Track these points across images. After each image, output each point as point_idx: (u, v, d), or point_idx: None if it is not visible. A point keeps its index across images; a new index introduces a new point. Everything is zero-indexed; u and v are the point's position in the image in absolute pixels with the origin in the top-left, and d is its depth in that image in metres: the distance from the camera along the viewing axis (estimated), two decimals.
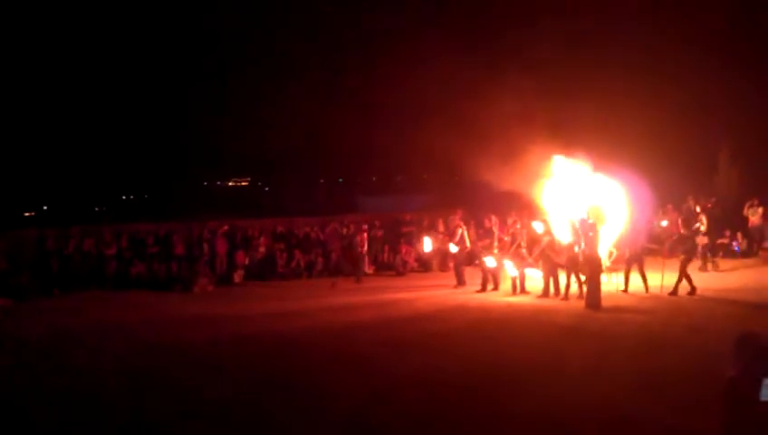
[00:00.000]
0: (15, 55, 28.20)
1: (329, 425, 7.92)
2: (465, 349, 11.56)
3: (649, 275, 16.28)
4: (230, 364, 10.97)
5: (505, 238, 18.03)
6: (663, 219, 21.32)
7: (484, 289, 17.79)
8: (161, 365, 11.08)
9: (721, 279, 17.67)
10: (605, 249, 16.48)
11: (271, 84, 30.03)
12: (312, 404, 8.64)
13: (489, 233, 18.54)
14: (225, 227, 22.94)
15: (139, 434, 7.91)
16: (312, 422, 8.00)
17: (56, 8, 28.56)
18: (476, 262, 19.62)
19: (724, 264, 19.57)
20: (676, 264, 16.11)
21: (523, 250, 17.37)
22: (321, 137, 31.83)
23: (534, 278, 17.28)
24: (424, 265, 22.75)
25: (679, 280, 15.52)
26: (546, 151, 17.72)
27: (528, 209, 18.56)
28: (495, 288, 17.80)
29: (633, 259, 16.53)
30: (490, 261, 17.73)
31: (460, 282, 18.77)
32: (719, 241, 20.86)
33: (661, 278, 15.98)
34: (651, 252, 18.50)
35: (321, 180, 40.15)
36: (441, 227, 21.47)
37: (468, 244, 19.25)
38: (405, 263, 22.86)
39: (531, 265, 17.24)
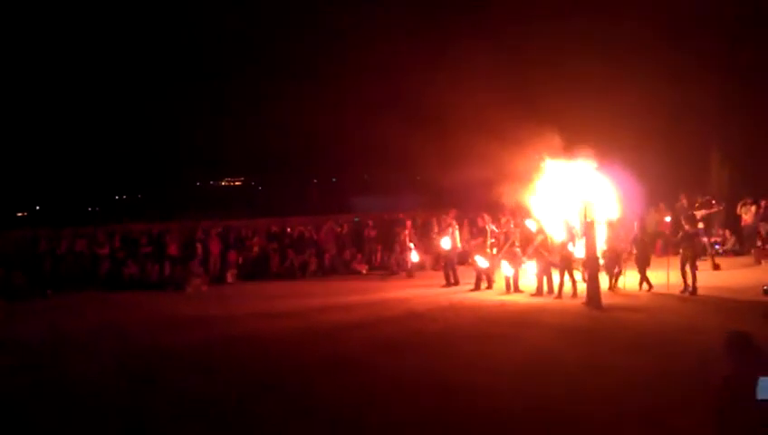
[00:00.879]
0: (9, 53, 28.11)
1: (320, 425, 7.91)
2: (458, 348, 11.57)
3: (653, 274, 16.31)
4: (222, 365, 10.95)
5: (500, 237, 18.03)
6: (660, 218, 21.37)
7: (477, 288, 17.81)
8: (154, 366, 11.05)
9: (715, 278, 17.70)
10: (599, 248, 16.48)
11: (264, 85, 29.97)
12: (303, 405, 8.64)
13: (482, 232, 18.56)
14: (219, 229, 22.92)
15: (127, 430, 7.88)
16: (304, 423, 7.99)
17: (50, 7, 28.49)
18: (469, 261, 19.66)
19: (721, 262, 19.59)
20: (674, 262, 16.16)
21: (517, 249, 17.39)
22: (314, 137, 31.80)
23: (528, 276, 17.32)
24: (417, 264, 22.73)
25: (694, 278, 15.51)
26: (539, 150, 17.73)
27: (521, 208, 18.56)
28: (489, 287, 17.83)
29: (641, 257, 16.50)
30: (482, 260, 17.75)
31: (451, 281, 18.77)
32: (711, 239, 20.92)
33: (666, 277, 16.03)
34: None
35: (315, 180, 40.13)
36: (435, 227, 21.48)
37: (459, 244, 19.26)
38: (398, 262, 22.84)
39: (524, 263, 17.27)
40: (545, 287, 16.50)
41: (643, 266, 16.39)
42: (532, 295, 16.47)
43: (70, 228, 22.07)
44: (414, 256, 21.21)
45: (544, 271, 16.60)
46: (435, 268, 21.80)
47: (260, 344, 12.38)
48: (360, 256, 23.64)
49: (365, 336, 12.66)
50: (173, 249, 21.49)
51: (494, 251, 17.84)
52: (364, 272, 22.86)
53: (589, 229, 15.12)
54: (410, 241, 22.05)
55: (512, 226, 18.42)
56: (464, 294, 17.44)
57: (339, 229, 24.26)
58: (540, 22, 25.26)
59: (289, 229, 23.76)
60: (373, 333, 12.86)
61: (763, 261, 19.70)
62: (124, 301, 18.24)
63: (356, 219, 25.95)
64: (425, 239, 21.99)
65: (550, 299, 15.97)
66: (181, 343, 12.68)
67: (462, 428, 7.71)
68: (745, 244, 21.65)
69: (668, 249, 18.87)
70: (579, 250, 16.13)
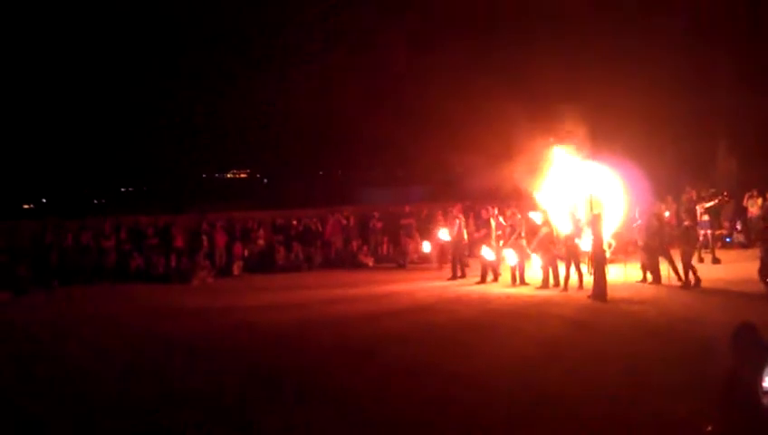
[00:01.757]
0: (12, 44, 28.11)
1: (325, 416, 7.91)
2: (464, 340, 11.56)
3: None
4: (227, 356, 10.98)
5: (506, 229, 18.00)
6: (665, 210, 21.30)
7: (483, 280, 17.81)
8: (158, 358, 11.09)
9: (720, 270, 17.67)
10: (605, 241, 16.45)
11: (271, 76, 29.93)
12: (308, 396, 8.64)
13: (487, 224, 18.54)
14: (224, 221, 22.95)
15: (132, 425, 7.90)
16: (308, 414, 7.99)
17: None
18: (470, 253, 19.70)
19: (723, 255, 19.55)
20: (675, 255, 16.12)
21: (523, 241, 17.37)
22: (320, 129, 31.78)
23: (534, 269, 17.31)
24: (423, 257, 22.72)
25: (694, 271, 15.46)
26: (544, 141, 17.70)
27: (527, 200, 18.54)
28: (495, 279, 17.83)
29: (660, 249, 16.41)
30: (488, 252, 17.74)
31: (457, 274, 18.77)
32: (717, 232, 20.85)
33: (669, 270, 15.99)
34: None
35: (321, 172, 40.06)
36: (441, 219, 21.46)
37: (466, 236, 19.26)
38: (404, 255, 22.86)
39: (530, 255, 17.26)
40: (551, 280, 16.49)
41: (657, 258, 16.25)
42: (538, 288, 16.46)
43: (76, 220, 22.12)
44: (426, 247, 21.16)
45: (550, 263, 16.58)
46: (440, 261, 21.79)
47: (266, 336, 12.41)
48: (366, 248, 23.65)
49: (371, 328, 12.67)
50: (179, 241, 21.55)
51: (500, 243, 17.81)
52: (370, 264, 22.89)
53: (595, 222, 15.08)
54: (415, 233, 22.10)
55: (518, 217, 18.38)
56: (470, 286, 17.43)
57: (345, 222, 24.27)
58: (545, 11, 25.20)
59: (295, 222, 23.77)
60: (379, 325, 12.87)
61: None
62: (130, 293, 18.30)
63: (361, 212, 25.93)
64: (430, 232, 21.98)
65: (556, 292, 15.96)
66: (186, 334, 12.71)
67: (467, 418, 7.71)
68: (752, 236, 21.58)
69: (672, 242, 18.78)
70: (585, 243, 16.11)
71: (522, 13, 25.49)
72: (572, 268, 16.20)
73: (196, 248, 21.27)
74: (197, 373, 9.89)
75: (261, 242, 22.74)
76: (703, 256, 19.20)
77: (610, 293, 14.59)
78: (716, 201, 20.27)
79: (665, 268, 15.97)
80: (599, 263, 14.88)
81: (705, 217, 19.48)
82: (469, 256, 19.95)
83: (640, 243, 16.57)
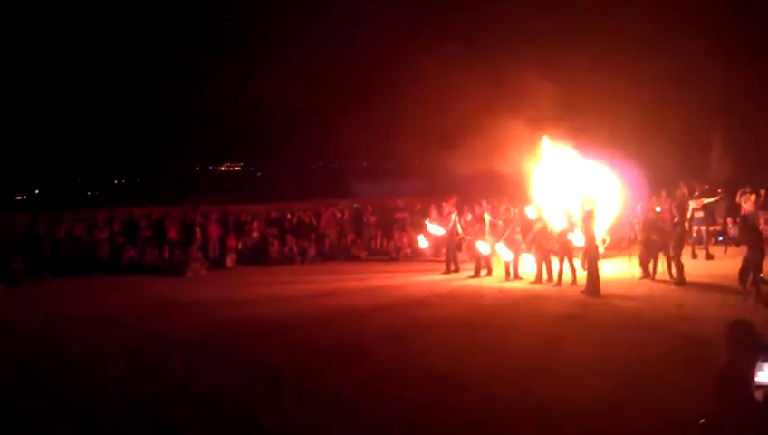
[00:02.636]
0: (6, 37, 28.02)
1: (318, 412, 7.91)
2: (457, 335, 11.59)
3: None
4: (220, 350, 10.96)
5: (499, 224, 18.01)
6: (657, 205, 21.35)
7: (477, 275, 17.83)
8: (151, 351, 11.07)
9: (713, 267, 17.72)
10: (599, 236, 16.47)
11: (264, 69, 29.92)
12: (301, 391, 8.64)
13: (480, 219, 18.55)
14: (217, 214, 22.91)
15: (126, 419, 7.88)
16: (302, 409, 7.99)
17: None
18: (465, 248, 19.71)
19: (717, 251, 19.60)
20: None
21: (517, 236, 17.38)
22: (314, 122, 31.79)
23: (527, 264, 17.33)
24: (417, 250, 22.73)
25: (680, 268, 15.48)
26: (538, 137, 17.72)
27: (520, 195, 18.56)
28: (489, 274, 17.84)
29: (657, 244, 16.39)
30: (483, 247, 17.75)
31: (451, 269, 18.78)
32: (711, 228, 20.88)
33: (666, 266, 16.03)
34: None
35: (314, 166, 40.09)
36: (434, 214, 21.46)
37: (461, 230, 19.26)
38: (398, 248, 22.88)
39: (524, 251, 17.27)
40: (545, 275, 16.52)
41: (652, 253, 16.26)
42: (532, 283, 16.48)
43: (69, 212, 22.04)
44: (422, 242, 21.18)
45: (544, 259, 16.60)
46: (435, 255, 21.80)
47: (259, 330, 12.38)
48: (359, 241, 23.66)
49: (364, 322, 12.69)
50: (172, 233, 21.50)
51: (490, 238, 17.81)
52: (363, 257, 22.89)
53: (588, 218, 15.11)
54: (408, 227, 22.09)
55: (512, 212, 18.38)
56: (463, 281, 17.45)
57: (339, 215, 24.27)
58: (538, 4, 25.21)
59: (289, 215, 23.75)
60: (372, 320, 12.89)
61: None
62: (123, 285, 18.25)
63: (356, 205, 25.92)
64: (423, 226, 21.98)
65: (549, 287, 15.98)
66: (179, 327, 12.69)
67: (461, 413, 7.72)
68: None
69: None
70: (578, 239, 16.15)
71: (522, 9, 25.48)
72: (566, 263, 16.23)
73: (189, 241, 21.23)
74: (193, 370, 9.87)
75: (255, 235, 22.72)
76: (696, 251, 19.26)
77: (603, 288, 14.62)
78: (715, 199, 20.28)
79: (662, 264, 16.02)
80: (592, 258, 14.92)
81: (700, 214, 19.50)
82: (458, 249, 19.90)
83: (640, 238, 16.60)
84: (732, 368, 5.31)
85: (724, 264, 17.80)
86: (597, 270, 14.82)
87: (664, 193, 22.03)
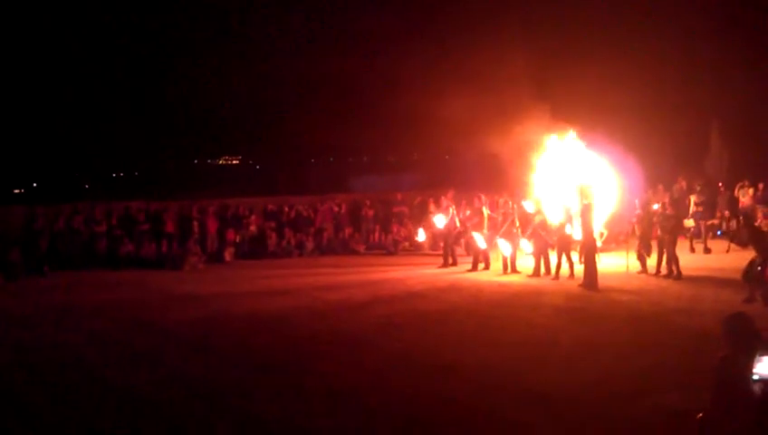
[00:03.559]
0: (2, 32, 27.96)
1: (317, 404, 7.92)
2: (456, 328, 11.62)
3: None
4: (220, 343, 10.98)
5: (498, 217, 18.00)
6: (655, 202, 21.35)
7: (475, 268, 17.82)
8: (150, 344, 11.09)
9: (711, 260, 17.73)
10: (596, 230, 16.47)
11: (263, 63, 29.88)
12: (298, 383, 8.65)
13: (478, 212, 18.52)
14: (215, 207, 22.87)
15: (125, 412, 7.88)
16: (303, 402, 8.00)
17: None
18: (456, 241, 19.70)
19: (715, 245, 19.60)
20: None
21: (516, 229, 17.38)
22: (312, 116, 31.76)
23: (525, 257, 17.34)
24: (415, 244, 22.69)
25: (676, 261, 15.47)
26: (537, 130, 17.70)
27: (519, 188, 18.54)
28: (486, 268, 17.83)
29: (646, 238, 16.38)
30: (481, 240, 17.74)
31: (449, 262, 18.76)
32: (709, 222, 20.88)
33: (660, 259, 16.03)
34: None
35: (312, 160, 40.07)
36: (432, 207, 21.44)
37: (458, 224, 19.24)
38: (396, 242, 22.87)
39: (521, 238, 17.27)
40: (542, 268, 16.52)
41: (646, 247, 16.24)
42: (530, 276, 16.49)
43: (67, 205, 21.99)
44: (421, 235, 21.16)
45: (542, 252, 16.60)
46: (432, 248, 21.78)
47: (258, 323, 12.40)
48: (357, 235, 23.64)
49: (363, 315, 12.71)
50: (170, 227, 21.46)
51: (489, 231, 17.81)
52: (361, 251, 22.88)
53: (586, 211, 15.10)
54: (406, 221, 22.08)
55: (510, 206, 18.37)
56: (461, 274, 17.45)
57: (337, 209, 24.25)
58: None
59: (287, 209, 23.73)
60: (371, 312, 12.91)
61: None
62: (121, 279, 18.23)
63: (354, 199, 25.92)
64: (422, 219, 21.96)
65: (547, 280, 15.99)
66: (178, 321, 12.70)
67: (459, 404, 7.74)
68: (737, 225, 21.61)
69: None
70: (576, 232, 16.15)
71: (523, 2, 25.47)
72: (563, 257, 16.23)
73: (187, 234, 21.19)
74: (193, 362, 9.89)
75: (253, 228, 22.69)
76: (694, 246, 19.27)
77: (601, 282, 14.64)
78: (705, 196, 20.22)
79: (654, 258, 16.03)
80: (589, 252, 14.92)
81: (699, 208, 19.52)
82: (455, 243, 19.87)
83: (638, 232, 16.60)
84: (730, 361, 5.31)
85: (722, 258, 17.83)
86: (594, 263, 14.82)
87: (661, 187, 22.01)
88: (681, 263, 15.47)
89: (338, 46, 30.41)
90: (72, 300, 15.18)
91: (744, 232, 13.13)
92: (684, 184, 22.13)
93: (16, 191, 34.85)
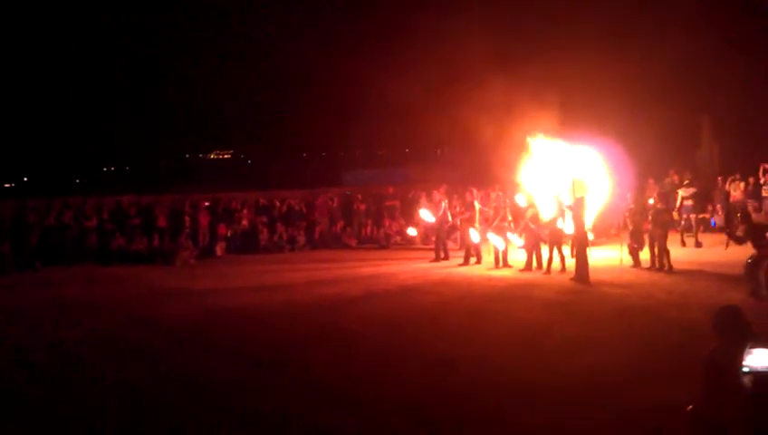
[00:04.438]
0: None
1: (311, 399, 7.92)
2: (448, 322, 11.62)
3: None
4: (213, 338, 10.96)
5: (489, 211, 18.01)
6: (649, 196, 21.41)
7: (467, 263, 17.84)
8: (141, 338, 11.06)
9: (703, 254, 17.79)
10: (588, 224, 16.48)
11: (255, 58, 29.83)
12: (293, 379, 8.65)
13: (470, 206, 18.54)
14: (206, 203, 22.84)
15: (116, 407, 7.86)
16: (293, 397, 8.00)
17: None
18: (459, 239, 19.72)
19: (708, 239, 19.64)
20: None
21: (508, 223, 17.39)
22: (304, 110, 31.72)
23: (517, 251, 17.36)
24: (407, 238, 22.71)
25: (667, 255, 15.51)
26: (528, 124, 17.70)
27: (511, 183, 18.55)
28: (478, 262, 17.85)
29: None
30: (474, 234, 17.75)
31: (441, 256, 18.77)
32: (700, 216, 20.93)
33: (652, 253, 16.05)
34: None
35: (305, 154, 40.02)
36: (424, 201, 21.45)
37: (450, 218, 19.26)
38: (388, 236, 22.89)
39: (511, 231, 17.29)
40: (534, 262, 16.55)
41: (639, 242, 16.26)
42: (522, 271, 16.51)
43: (58, 200, 21.93)
44: (411, 231, 21.16)
45: (534, 246, 16.62)
46: (424, 242, 21.81)
47: (251, 318, 12.37)
48: (349, 229, 23.65)
49: (357, 309, 12.71)
50: (162, 221, 21.42)
51: (482, 225, 17.83)
52: (353, 245, 22.89)
53: (578, 205, 15.12)
54: (398, 215, 22.08)
55: (502, 200, 18.38)
56: (453, 268, 17.47)
57: (331, 203, 24.27)
58: None
59: (278, 203, 23.71)
60: (365, 307, 12.91)
61: None
62: (113, 274, 18.19)
63: (347, 193, 25.92)
64: (414, 214, 21.99)
65: (538, 274, 16.01)
66: (173, 316, 12.66)
67: (452, 397, 7.75)
68: (733, 220, 21.67)
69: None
70: (567, 226, 16.17)
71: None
72: (555, 251, 16.25)
73: (178, 229, 21.15)
74: (186, 357, 9.88)
75: (244, 223, 22.66)
76: (685, 239, 19.32)
77: (593, 276, 14.66)
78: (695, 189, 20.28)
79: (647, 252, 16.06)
80: (581, 246, 14.95)
81: (689, 202, 19.56)
82: (448, 237, 19.90)
83: (630, 227, 16.62)
84: (719, 353, 5.33)
85: (713, 252, 17.87)
86: (586, 257, 14.85)
87: (651, 181, 22.06)
88: (672, 256, 15.52)
89: (330, 41, 30.38)
90: (62, 294, 15.14)
91: (743, 229, 13.07)
92: (676, 178, 22.19)
93: (7, 185, 34.75)
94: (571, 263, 15.72)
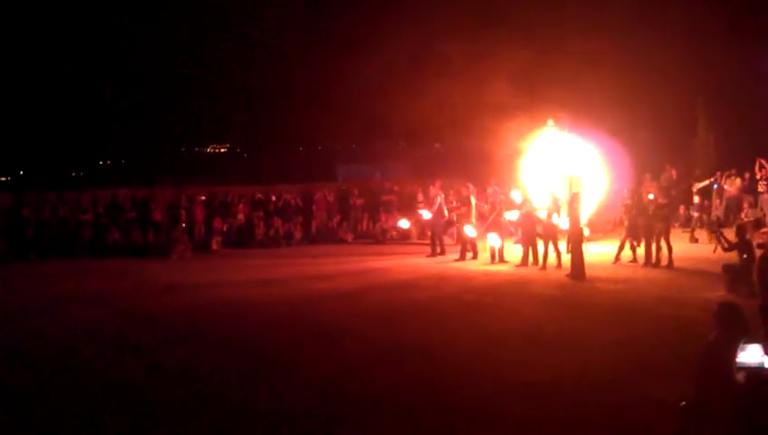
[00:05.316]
0: None
1: (306, 392, 7.91)
2: (444, 317, 11.64)
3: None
4: (208, 333, 10.94)
5: (485, 207, 18.03)
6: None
7: (462, 258, 17.83)
8: (136, 332, 11.04)
9: (698, 250, 17.80)
10: (584, 219, 16.50)
11: (251, 49, 29.72)
12: (289, 372, 8.64)
13: (466, 201, 18.53)
14: (202, 197, 22.80)
15: (110, 401, 7.85)
16: (290, 390, 7.99)
17: None
18: (451, 230, 19.72)
19: (701, 234, 19.66)
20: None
21: (504, 219, 17.41)
22: (300, 103, 31.61)
23: (513, 246, 17.38)
24: (403, 233, 22.69)
25: (669, 250, 15.52)
26: (524, 119, 17.71)
27: (507, 178, 18.56)
28: (474, 257, 17.85)
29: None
30: (469, 230, 17.75)
31: (437, 251, 18.75)
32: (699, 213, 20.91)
33: (648, 248, 16.06)
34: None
35: (301, 148, 39.90)
36: (420, 196, 21.44)
37: (446, 213, 19.26)
38: (384, 231, 22.86)
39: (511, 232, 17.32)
40: (530, 258, 16.55)
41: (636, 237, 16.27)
42: (517, 266, 16.52)
43: (53, 193, 21.87)
44: (404, 224, 21.14)
45: (530, 242, 16.63)
46: (421, 237, 21.80)
47: (248, 312, 12.37)
48: (345, 224, 23.64)
49: (353, 304, 12.71)
50: (157, 215, 21.39)
51: (477, 220, 17.83)
52: (349, 240, 22.88)
53: (573, 201, 15.13)
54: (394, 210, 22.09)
55: (498, 195, 18.40)
56: (449, 264, 17.47)
57: (327, 197, 24.25)
58: None
59: (274, 197, 23.68)
60: (361, 302, 12.92)
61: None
62: (107, 267, 18.17)
63: (343, 187, 25.90)
64: (409, 208, 21.97)
65: (534, 270, 16.02)
66: (168, 310, 12.64)
67: (446, 394, 7.75)
68: (729, 216, 21.70)
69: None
70: (563, 222, 16.18)
71: None
72: (551, 247, 16.25)
73: (174, 223, 21.11)
74: (181, 351, 9.86)
75: (240, 217, 22.62)
76: (697, 236, 19.29)
77: (588, 271, 14.68)
78: (707, 182, 20.36)
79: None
80: (576, 241, 14.95)
81: (697, 199, 19.64)
82: (445, 232, 19.89)
83: (626, 222, 16.63)
84: (714, 349, 5.34)
85: (709, 248, 17.89)
86: (581, 253, 14.86)
87: (648, 176, 22.05)
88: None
89: (326, 35, 30.29)
90: (58, 288, 15.11)
91: (737, 239, 13.00)
92: (673, 172, 22.21)
93: (2, 179, 34.62)
94: (566, 258, 15.73)
